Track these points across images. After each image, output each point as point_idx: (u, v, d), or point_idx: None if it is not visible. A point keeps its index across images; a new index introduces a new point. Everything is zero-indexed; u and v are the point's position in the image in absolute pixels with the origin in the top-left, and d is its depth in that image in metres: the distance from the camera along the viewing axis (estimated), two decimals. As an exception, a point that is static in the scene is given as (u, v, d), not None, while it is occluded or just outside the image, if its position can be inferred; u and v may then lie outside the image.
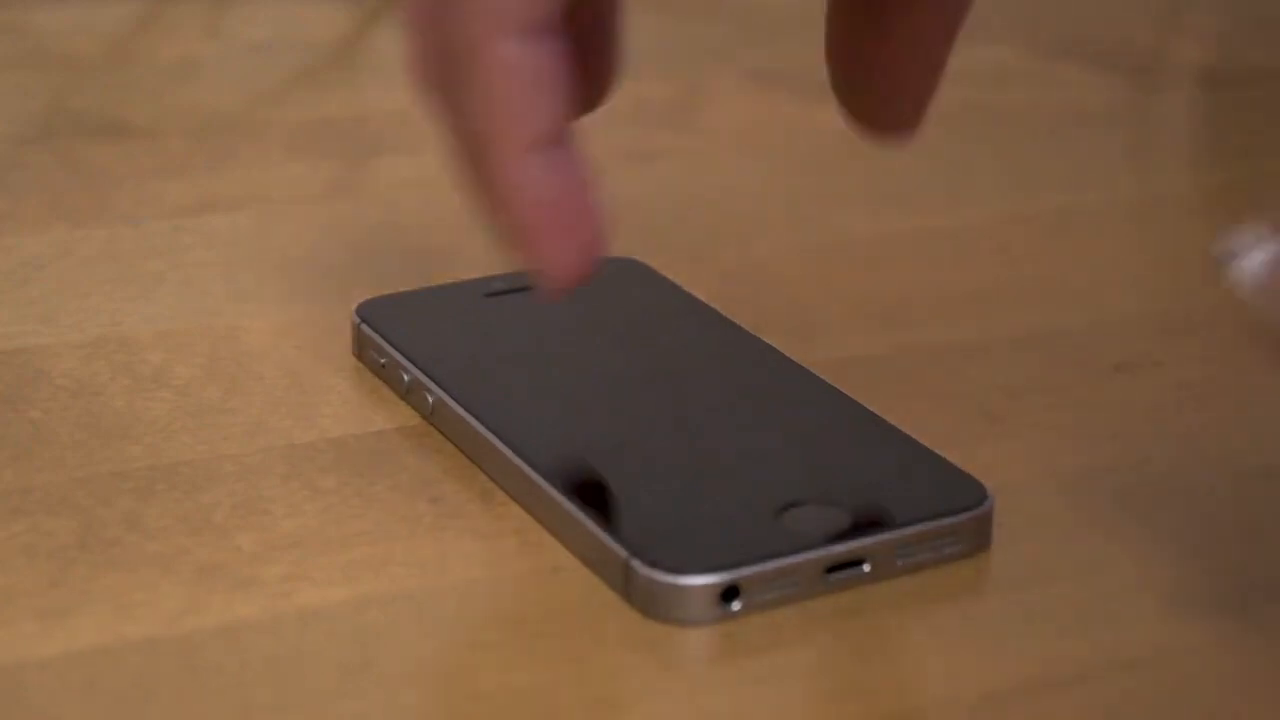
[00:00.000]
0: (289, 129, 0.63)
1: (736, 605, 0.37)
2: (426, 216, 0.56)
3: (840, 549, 0.38)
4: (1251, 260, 0.34)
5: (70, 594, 0.38)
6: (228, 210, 0.57)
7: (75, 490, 0.42)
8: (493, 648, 0.36)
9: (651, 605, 0.37)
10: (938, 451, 0.42)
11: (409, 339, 0.46)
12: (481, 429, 0.42)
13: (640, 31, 0.72)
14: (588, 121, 0.65)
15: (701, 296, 0.51)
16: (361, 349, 0.47)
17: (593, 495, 0.40)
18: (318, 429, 0.44)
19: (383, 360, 0.46)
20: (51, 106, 0.66)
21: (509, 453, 0.41)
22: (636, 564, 0.37)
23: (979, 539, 0.39)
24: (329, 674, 0.36)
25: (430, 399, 0.44)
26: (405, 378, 0.45)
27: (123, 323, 0.50)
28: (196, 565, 0.39)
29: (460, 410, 0.43)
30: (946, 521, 0.39)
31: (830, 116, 0.64)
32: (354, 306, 0.48)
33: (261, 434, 0.44)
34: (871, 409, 0.44)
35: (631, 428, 0.42)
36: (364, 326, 0.47)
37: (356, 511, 0.41)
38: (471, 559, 0.39)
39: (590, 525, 0.39)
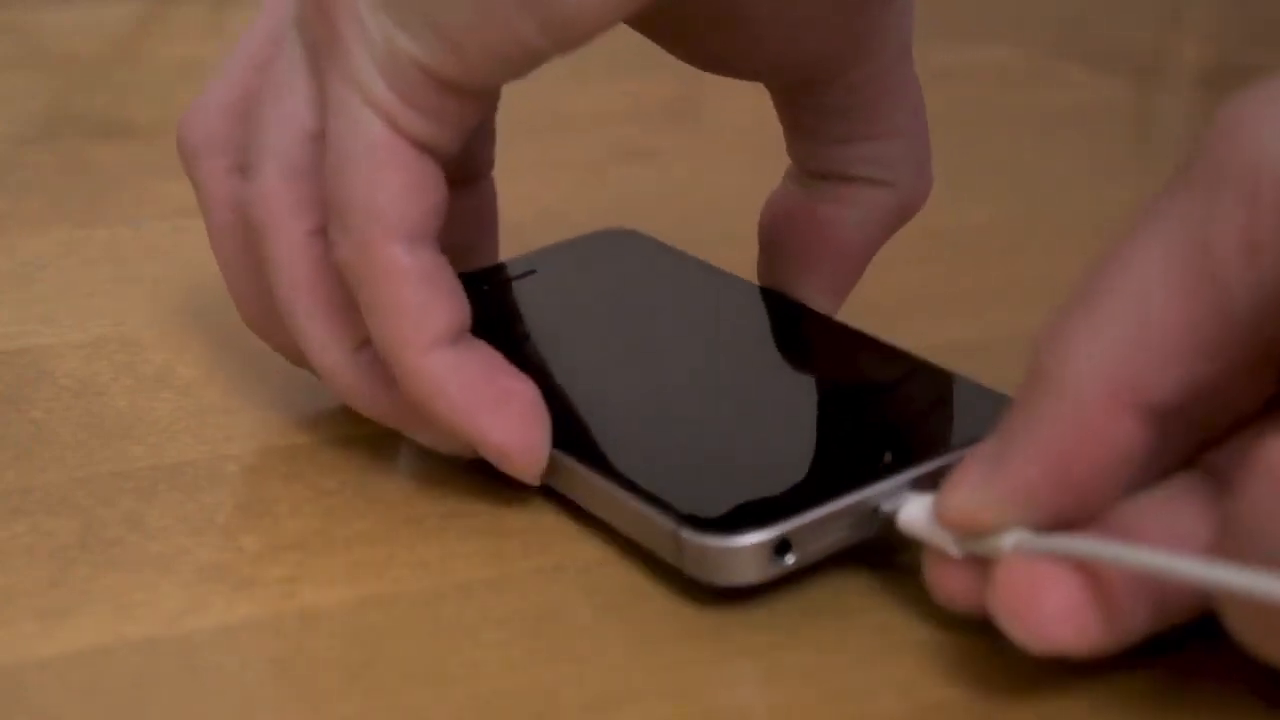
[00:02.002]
0: (290, 129, 0.63)
1: (790, 559, 0.37)
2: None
3: (887, 485, 0.37)
4: (911, 509, 0.37)
5: (71, 594, 0.38)
6: (229, 210, 0.57)
7: (76, 490, 0.42)
8: (494, 648, 0.36)
9: (706, 571, 0.37)
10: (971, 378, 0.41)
11: None
12: None
13: (641, 31, 0.72)
14: (591, 118, 0.65)
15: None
16: None
17: (628, 468, 0.39)
18: (321, 429, 0.44)
19: None
20: (53, 107, 0.66)
21: None
22: (685, 532, 0.37)
23: None
24: (330, 674, 0.36)
25: None
26: None
27: (125, 323, 0.50)
28: (198, 565, 0.39)
29: None
30: None
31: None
32: None
33: (264, 434, 0.44)
34: (888, 340, 0.43)
35: (655, 392, 0.42)
36: None
37: (359, 512, 0.41)
38: (473, 559, 0.39)
39: (632, 500, 0.38)
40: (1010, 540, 0.35)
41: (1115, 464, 0.34)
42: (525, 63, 0.37)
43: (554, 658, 0.36)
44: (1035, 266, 0.54)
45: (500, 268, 0.49)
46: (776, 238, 0.46)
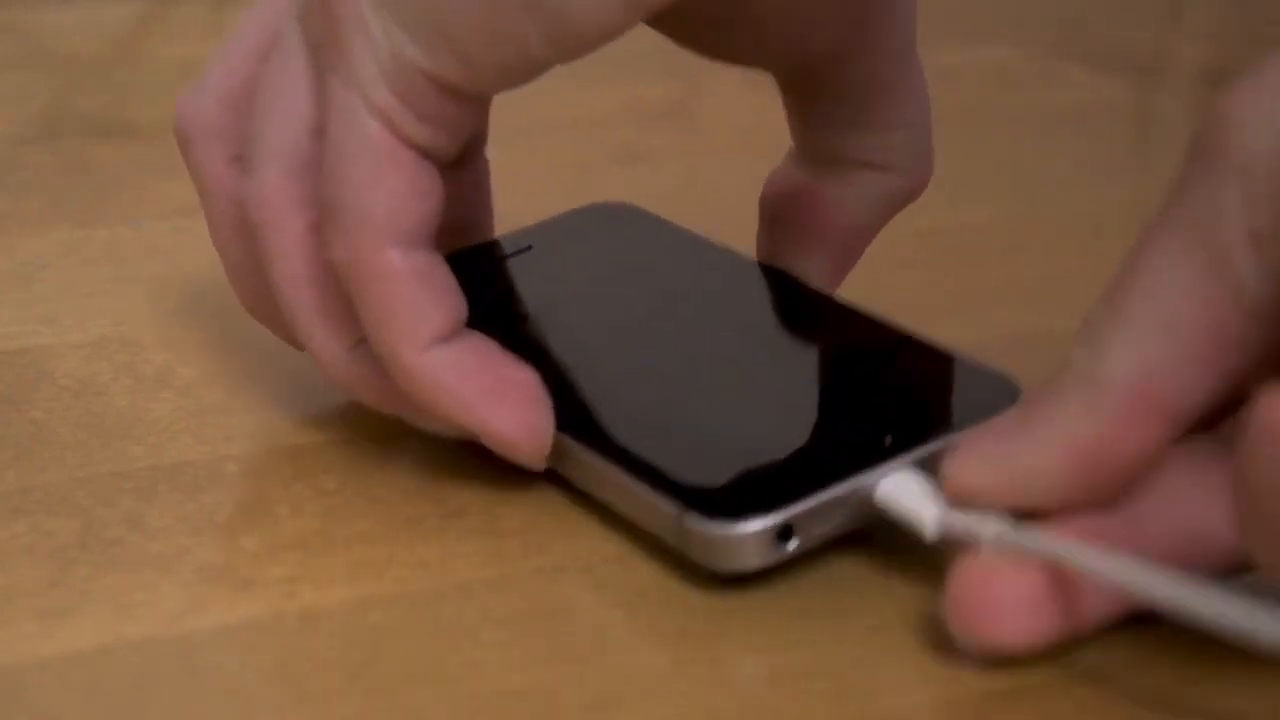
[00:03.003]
0: (290, 129, 0.63)
1: (793, 544, 0.37)
2: (427, 217, 0.56)
3: (888, 469, 0.37)
4: (890, 485, 0.37)
5: (71, 594, 0.38)
6: (229, 210, 0.57)
7: (76, 490, 0.42)
8: (494, 648, 0.36)
9: (710, 556, 0.37)
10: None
11: None
12: None
13: (640, 31, 0.72)
14: (588, 120, 0.65)
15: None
16: None
17: (631, 453, 0.39)
18: (321, 430, 0.44)
19: None
20: (53, 106, 0.66)
21: None
22: (689, 518, 0.37)
23: None
24: (331, 675, 0.36)
25: None
26: None
27: (125, 323, 0.50)
28: (198, 565, 0.39)
29: None
30: (985, 423, 0.38)
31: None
32: None
33: (265, 434, 0.44)
34: (888, 319, 0.43)
35: (657, 372, 0.42)
36: None
37: (359, 512, 0.41)
38: (473, 559, 0.39)
39: (636, 485, 0.38)
40: (990, 529, 0.35)
41: (1137, 465, 0.34)
42: (530, 71, 0.38)
43: (554, 658, 0.36)
44: (1035, 266, 0.54)
45: (495, 244, 0.48)
46: (778, 213, 0.47)
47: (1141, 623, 0.37)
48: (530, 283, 0.46)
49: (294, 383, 0.46)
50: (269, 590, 0.38)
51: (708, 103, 0.65)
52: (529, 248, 0.48)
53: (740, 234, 0.56)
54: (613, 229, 0.49)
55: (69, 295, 0.51)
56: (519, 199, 0.58)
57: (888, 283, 0.52)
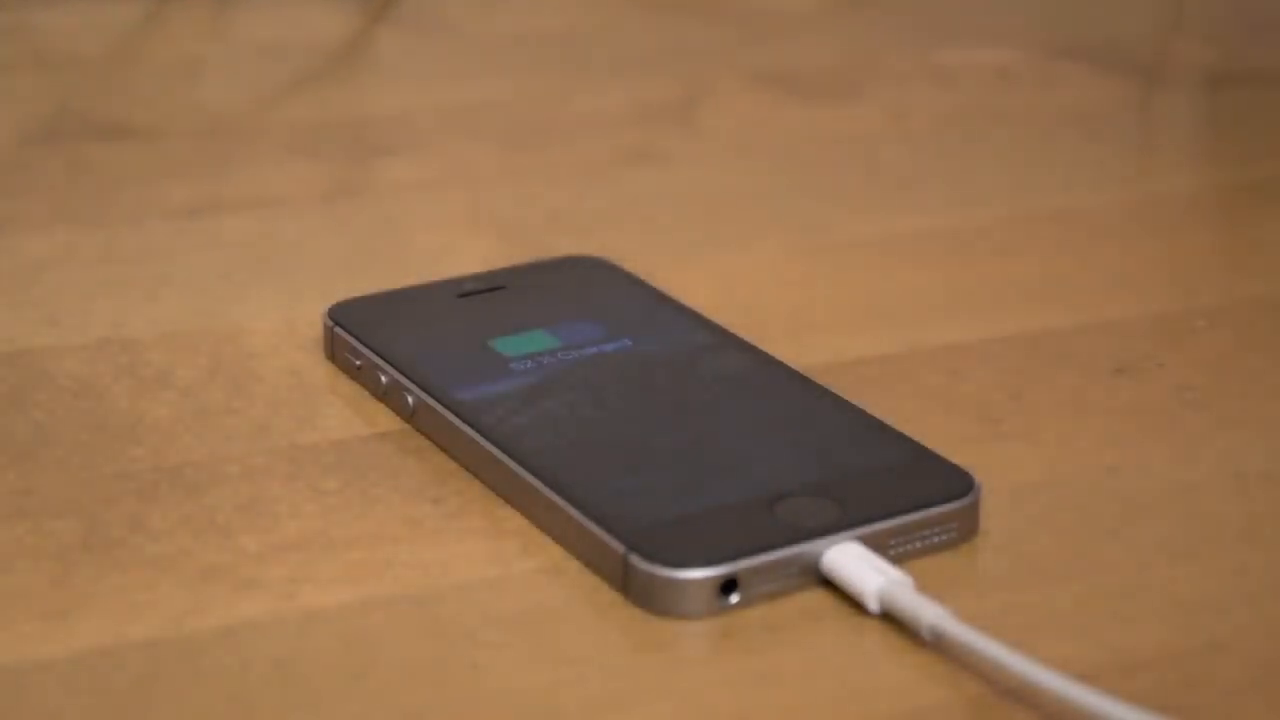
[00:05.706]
0: (291, 130, 0.63)
1: (735, 598, 0.38)
2: (426, 216, 0.56)
3: (834, 539, 0.38)
4: (837, 554, 0.38)
5: (73, 595, 0.38)
6: (230, 211, 0.57)
7: (78, 491, 0.42)
8: (494, 648, 0.36)
9: (650, 600, 0.37)
10: (929, 447, 0.43)
11: (385, 340, 0.46)
12: (469, 430, 0.42)
13: (640, 31, 0.72)
14: (593, 122, 0.65)
15: (701, 297, 0.51)
16: (335, 351, 0.47)
17: (586, 491, 0.40)
18: (320, 430, 0.44)
19: (358, 362, 0.46)
20: (55, 108, 0.66)
21: (499, 453, 0.41)
22: (635, 559, 0.38)
23: (968, 527, 0.40)
24: (331, 675, 0.36)
25: (411, 400, 0.44)
26: (383, 379, 0.45)
27: (126, 324, 0.50)
28: (199, 566, 0.39)
29: (446, 412, 0.43)
30: (936, 510, 0.39)
31: (830, 116, 0.64)
32: (324, 309, 0.48)
33: (264, 435, 0.44)
34: (860, 405, 0.44)
35: (613, 422, 0.42)
36: (337, 329, 0.47)
37: (359, 513, 0.41)
38: (473, 560, 0.39)
39: (586, 522, 0.39)
40: (929, 615, 0.36)
41: None
42: None
43: (554, 658, 0.36)
44: (1035, 266, 0.54)
45: (473, 279, 0.50)
46: None
47: (1142, 625, 0.37)
48: (501, 320, 0.47)
49: (294, 383, 0.47)
50: (270, 591, 0.38)
51: (708, 103, 0.65)
52: (503, 287, 0.49)
53: (740, 231, 0.56)
54: (587, 281, 0.50)
55: (70, 296, 0.51)
56: (526, 199, 0.58)
57: (889, 282, 0.53)
